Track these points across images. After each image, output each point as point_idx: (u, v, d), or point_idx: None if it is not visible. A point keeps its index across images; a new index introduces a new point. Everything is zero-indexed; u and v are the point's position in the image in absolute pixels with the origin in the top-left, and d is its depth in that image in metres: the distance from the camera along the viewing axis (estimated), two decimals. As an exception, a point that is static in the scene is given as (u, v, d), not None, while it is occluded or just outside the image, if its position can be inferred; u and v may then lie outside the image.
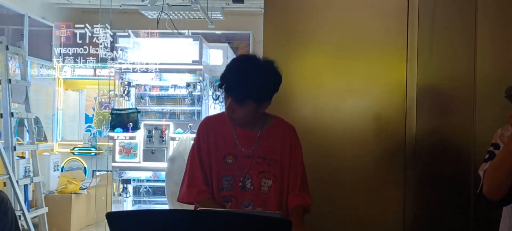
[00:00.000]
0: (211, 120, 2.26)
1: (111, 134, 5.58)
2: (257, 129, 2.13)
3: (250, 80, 2.00)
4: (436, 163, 2.83)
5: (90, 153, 7.68)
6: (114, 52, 6.19)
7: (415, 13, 2.85)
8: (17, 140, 5.62)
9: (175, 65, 6.01)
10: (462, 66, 2.84)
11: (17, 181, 4.90)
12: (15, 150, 5.04)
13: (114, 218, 1.61)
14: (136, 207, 5.76)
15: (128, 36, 6.23)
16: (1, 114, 5.05)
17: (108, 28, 6.56)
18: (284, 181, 2.13)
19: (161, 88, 6.29)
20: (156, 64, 5.97)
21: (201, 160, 2.12)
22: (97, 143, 7.78)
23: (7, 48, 5.12)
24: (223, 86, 2.04)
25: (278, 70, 2.09)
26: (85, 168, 7.62)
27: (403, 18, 2.86)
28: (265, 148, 2.11)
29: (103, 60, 6.79)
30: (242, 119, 2.06)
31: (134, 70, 6.01)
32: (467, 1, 2.84)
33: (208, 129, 2.16)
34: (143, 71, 6.01)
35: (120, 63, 6.09)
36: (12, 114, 5.04)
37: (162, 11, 6.24)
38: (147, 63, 5.95)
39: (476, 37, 2.82)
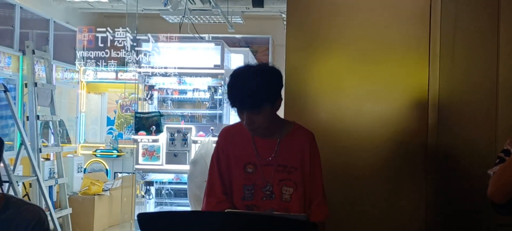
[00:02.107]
0: (229, 130, 2.26)
1: (134, 136, 5.68)
2: (276, 136, 2.12)
3: (257, 86, 1.98)
4: (458, 168, 2.82)
5: (112, 155, 7.81)
6: (140, 55, 6.28)
7: (438, 18, 2.84)
8: (42, 142, 5.75)
9: (197, 70, 6.08)
10: (484, 71, 2.82)
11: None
12: (40, 151, 5.16)
13: (145, 219, 1.66)
14: (158, 209, 5.84)
15: (149, 40, 6.32)
16: (28, 117, 5.18)
17: (129, 32, 6.67)
18: (306, 188, 2.12)
19: (184, 92, 6.37)
20: (179, 68, 6.05)
21: (220, 171, 2.13)
22: (119, 145, 7.90)
23: (33, 52, 5.25)
24: (236, 106, 2.02)
25: (274, 67, 2.10)
26: (107, 169, 7.75)
27: (425, 23, 2.86)
28: (285, 156, 2.11)
29: (125, 63, 6.90)
30: (263, 125, 2.04)
31: (158, 74, 6.10)
32: (490, 7, 2.83)
33: (227, 140, 2.17)
34: (166, 75, 6.09)
35: (144, 67, 6.18)
36: (38, 117, 5.16)
37: (183, 16, 6.31)
38: (171, 68, 6.03)
39: (498, 42, 2.81)
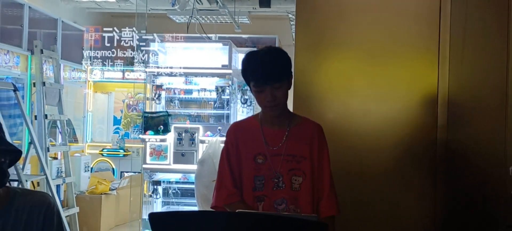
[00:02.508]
0: (238, 125, 2.35)
1: (142, 136, 5.70)
2: (284, 126, 2.17)
3: (277, 59, 2.11)
4: (467, 168, 2.82)
5: (118, 154, 7.84)
6: (146, 55, 6.30)
7: (447, 18, 2.84)
8: (50, 141, 5.78)
9: (205, 70, 6.09)
10: (494, 72, 2.82)
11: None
12: (48, 151, 5.19)
13: (156, 219, 1.67)
14: (165, 208, 5.86)
15: (156, 40, 6.34)
16: (36, 116, 5.21)
17: (135, 31, 6.68)
18: (315, 178, 2.16)
19: (190, 91, 6.38)
20: (187, 68, 6.06)
21: (230, 164, 2.18)
22: (125, 145, 7.93)
23: (41, 51, 5.28)
24: (259, 84, 2.09)
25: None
26: (113, 169, 7.78)
27: (435, 24, 2.86)
28: (294, 145, 2.15)
29: (132, 62, 6.92)
30: (283, 100, 2.13)
31: (163, 74, 6.11)
32: (500, 6, 2.82)
33: (236, 133, 2.22)
34: (172, 75, 6.10)
35: (151, 67, 6.19)
36: (46, 116, 5.18)
37: (191, 16, 6.32)
38: (178, 67, 6.04)
39: (508, 43, 2.80)
